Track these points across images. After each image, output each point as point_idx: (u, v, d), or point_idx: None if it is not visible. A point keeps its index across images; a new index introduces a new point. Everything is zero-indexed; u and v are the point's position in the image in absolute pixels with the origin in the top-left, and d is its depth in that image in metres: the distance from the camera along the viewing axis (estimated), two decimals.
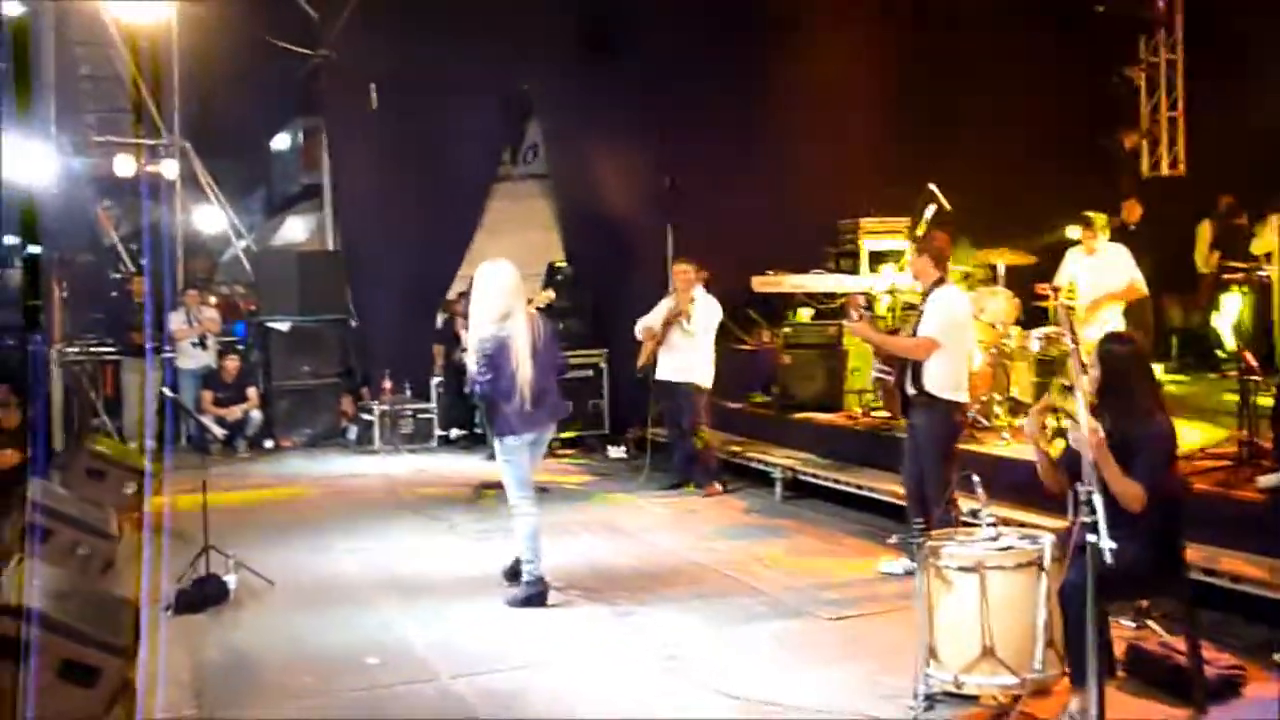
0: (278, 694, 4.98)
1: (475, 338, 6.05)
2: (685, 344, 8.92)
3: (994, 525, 4.56)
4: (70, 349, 11.44)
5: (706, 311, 8.96)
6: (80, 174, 13.14)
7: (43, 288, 11.07)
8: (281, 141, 18.15)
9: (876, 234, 10.58)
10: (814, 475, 8.47)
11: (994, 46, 11.04)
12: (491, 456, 7.23)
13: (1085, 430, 3.87)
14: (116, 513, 7.41)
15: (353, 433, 11.95)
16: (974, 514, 4.75)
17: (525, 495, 6.17)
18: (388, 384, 11.54)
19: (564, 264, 12.14)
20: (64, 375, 11.24)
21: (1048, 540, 4.47)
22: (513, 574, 6.41)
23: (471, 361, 6.05)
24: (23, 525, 6.27)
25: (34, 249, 12.61)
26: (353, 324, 12.67)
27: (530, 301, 6.31)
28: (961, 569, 4.41)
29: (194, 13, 12.18)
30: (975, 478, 4.64)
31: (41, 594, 4.71)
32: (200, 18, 12.24)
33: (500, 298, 5.99)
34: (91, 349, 11.68)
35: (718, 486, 8.95)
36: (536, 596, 6.08)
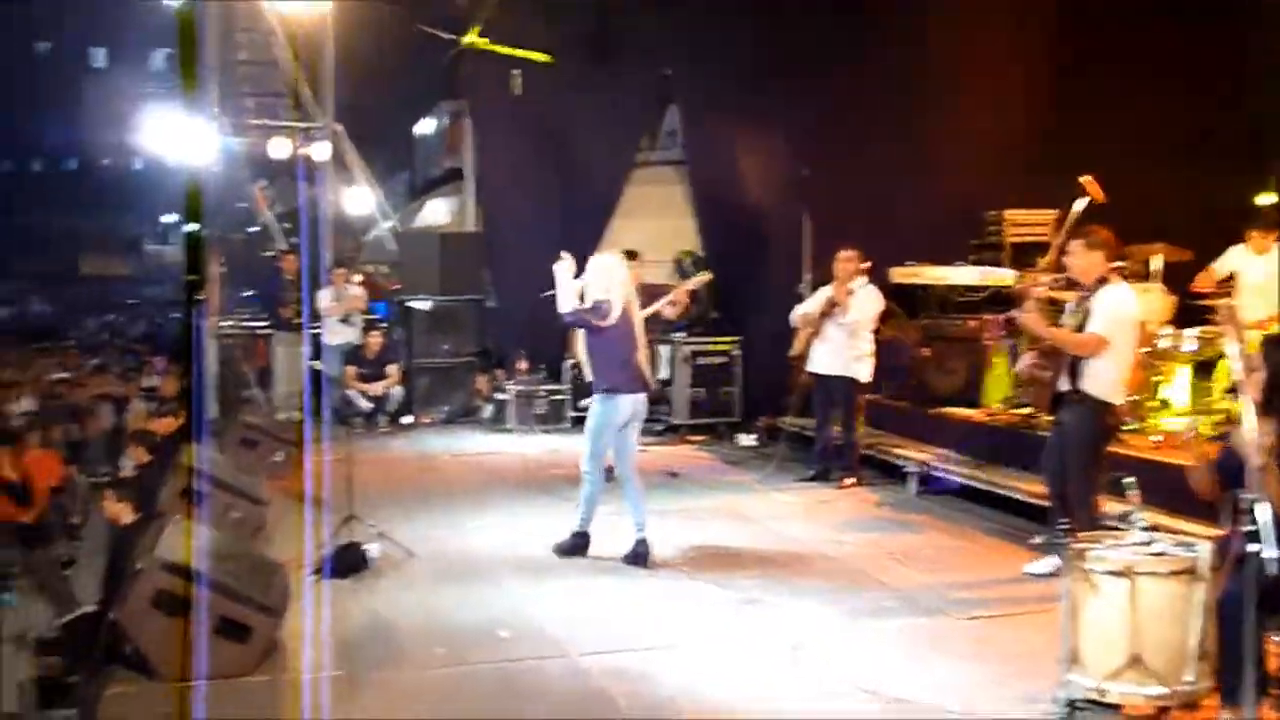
0: (416, 661, 5.15)
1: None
2: (840, 336, 8.66)
3: (1148, 530, 4.39)
4: (225, 323, 11.99)
5: (865, 303, 8.70)
6: (238, 155, 13.73)
7: (201, 264, 11.60)
8: (426, 126, 18.64)
9: (1022, 226, 10.24)
10: (950, 471, 8.29)
11: (1153, 28, 10.52)
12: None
13: (1250, 433, 3.69)
14: (266, 479, 7.75)
15: (488, 411, 12.20)
16: (1124, 517, 4.57)
17: (596, 464, 6.73)
18: (523, 364, 11.73)
19: (693, 251, 12.12)
20: (219, 348, 11.80)
21: (1204, 548, 4.28)
22: (634, 558, 6.56)
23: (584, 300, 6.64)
24: (181, 488, 6.61)
25: (193, 227, 13.22)
26: (490, 305, 12.92)
27: (673, 287, 6.44)
28: (1110, 573, 4.26)
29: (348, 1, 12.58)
30: (1130, 479, 4.47)
31: (201, 555, 4.97)
32: (353, 5, 12.63)
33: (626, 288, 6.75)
34: (245, 323, 12.21)
35: (850, 480, 8.83)
36: (576, 548, 6.73)
